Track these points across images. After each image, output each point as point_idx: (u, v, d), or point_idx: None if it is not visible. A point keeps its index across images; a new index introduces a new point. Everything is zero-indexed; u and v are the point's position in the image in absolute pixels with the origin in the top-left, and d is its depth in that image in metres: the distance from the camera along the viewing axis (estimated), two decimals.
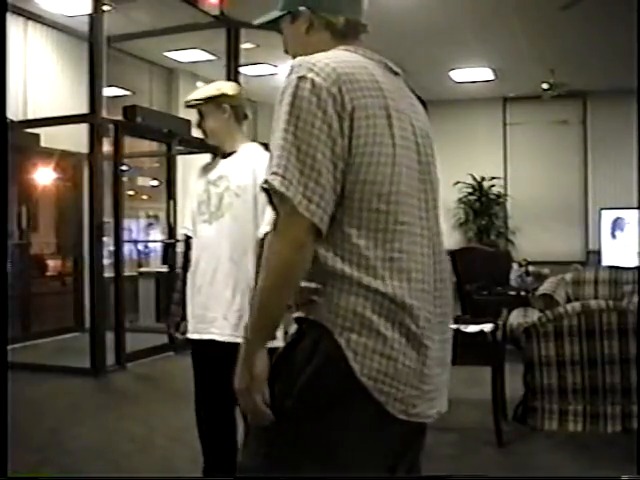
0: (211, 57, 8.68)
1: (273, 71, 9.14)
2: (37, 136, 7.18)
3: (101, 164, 6.27)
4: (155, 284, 8.39)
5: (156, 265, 8.82)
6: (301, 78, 1.37)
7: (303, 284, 1.41)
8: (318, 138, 1.34)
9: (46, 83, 7.81)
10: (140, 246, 9.75)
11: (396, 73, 1.55)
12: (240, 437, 2.72)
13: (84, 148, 6.46)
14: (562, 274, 6.56)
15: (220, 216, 2.63)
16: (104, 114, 6.21)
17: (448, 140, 10.62)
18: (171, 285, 3.00)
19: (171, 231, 7.14)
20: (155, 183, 10.08)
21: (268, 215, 2.30)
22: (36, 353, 6.93)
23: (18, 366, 5.51)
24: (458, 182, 10.97)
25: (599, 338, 4.03)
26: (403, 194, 1.42)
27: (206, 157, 2.85)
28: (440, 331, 1.48)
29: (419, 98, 1.67)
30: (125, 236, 6.97)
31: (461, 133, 11.12)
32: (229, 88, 2.77)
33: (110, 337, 6.23)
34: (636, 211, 9.57)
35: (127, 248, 7.88)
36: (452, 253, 7.47)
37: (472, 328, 3.98)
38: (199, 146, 6.57)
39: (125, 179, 7.27)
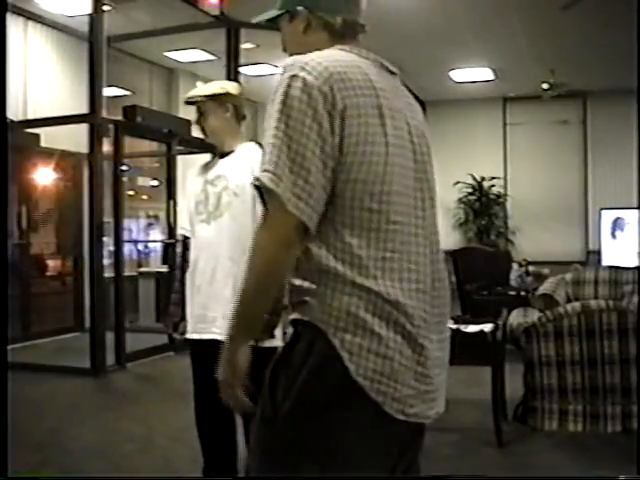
0: (211, 57, 8.69)
1: (273, 71, 9.13)
2: (37, 136, 7.18)
3: (101, 164, 6.27)
4: (155, 284, 8.39)
5: (156, 265, 8.83)
6: (293, 77, 1.38)
7: (297, 283, 1.42)
8: (308, 136, 1.34)
9: (46, 83, 7.81)
10: (140, 246, 9.75)
11: (392, 72, 1.55)
12: (239, 437, 2.73)
13: (84, 148, 6.46)
14: (562, 274, 6.56)
15: (219, 215, 2.63)
16: (104, 114, 6.21)
17: (448, 140, 10.63)
18: (171, 285, 2.99)
19: (171, 231, 7.14)
20: (155, 183, 10.08)
21: None
22: (36, 353, 6.93)
23: (18, 366, 5.51)
24: (458, 182, 10.97)
25: (599, 338, 4.03)
26: (396, 193, 1.41)
27: (206, 157, 2.84)
28: (438, 331, 1.48)
29: (417, 98, 1.68)
30: (125, 236, 6.97)
31: (461, 133, 11.13)
32: (232, 87, 2.77)
33: (110, 337, 6.23)
34: (636, 211, 9.58)
35: (127, 248, 7.88)
36: (452, 253, 7.47)
37: (472, 328, 3.98)
38: (199, 146, 6.57)
39: (125, 179, 7.27)
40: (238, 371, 1.42)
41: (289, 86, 1.37)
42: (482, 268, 7.34)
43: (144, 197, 10.24)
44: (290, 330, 1.46)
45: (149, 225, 10.12)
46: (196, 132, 7.33)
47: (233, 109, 2.70)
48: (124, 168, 6.88)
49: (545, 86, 9.29)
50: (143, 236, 10.09)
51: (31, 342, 7.37)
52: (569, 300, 5.92)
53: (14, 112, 6.83)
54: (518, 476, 3.51)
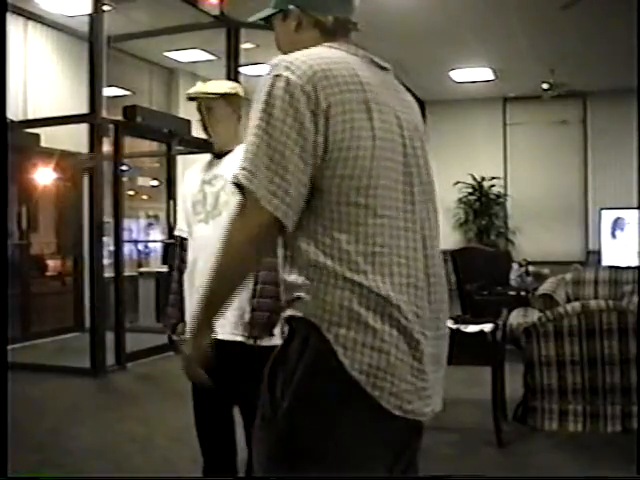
0: (211, 57, 8.70)
1: None
2: (37, 136, 7.18)
3: (101, 164, 6.27)
4: (155, 284, 8.40)
5: (156, 265, 8.83)
6: (277, 77, 1.39)
7: (289, 279, 1.43)
8: (288, 135, 1.35)
9: (46, 83, 7.81)
10: (140, 246, 9.75)
11: (383, 68, 1.55)
12: (239, 437, 2.73)
13: (84, 148, 6.46)
14: (562, 274, 6.56)
15: (217, 215, 2.62)
16: (104, 114, 6.21)
17: (448, 140, 10.63)
18: (170, 286, 2.98)
19: (171, 231, 7.13)
20: (155, 183, 10.08)
21: None
22: (36, 353, 6.93)
23: (18, 366, 5.51)
24: (458, 182, 10.97)
25: (599, 338, 4.03)
26: (383, 187, 1.41)
27: (206, 157, 2.83)
28: (434, 327, 1.47)
29: (415, 97, 1.68)
30: (125, 236, 6.97)
31: (461, 133, 11.13)
32: (240, 88, 2.78)
33: (110, 337, 6.23)
34: (636, 211, 9.57)
35: (127, 248, 7.89)
36: (452, 253, 7.47)
37: (472, 328, 3.98)
38: (199, 146, 6.57)
39: (125, 179, 7.27)
40: (201, 349, 1.52)
41: (272, 86, 1.39)
42: (482, 268, 7.34)
43: (144, 197, 10.24)
44: (286, 328, 1.47)
45: (149, 225, 10.12)
46: (196, 132, 7.34)
47: (238, 110, 2.70)
48: (124, 168, 6.88)
49: (545, 86, 9.29)
50: (143, 236, 10.09)
51: (31, 342, 7.37)
52: (569, 300, 5.92)
53: (14, 112, 6.83)
54: (518, 476, 3.51)
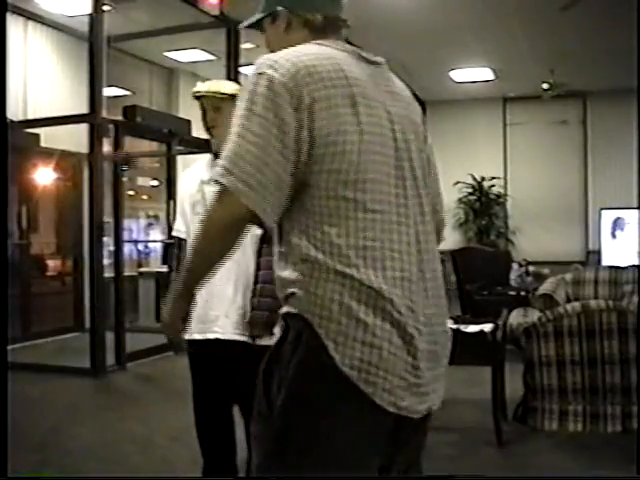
0: (211, 57, 8.69)
1: None
2: (37, 136, 7.18)
3: (101, 164, 6.27)
4: (155, 284, 8.39)
5: (156, 265, 8.82)
6: (260, 75, 1.41)
7: (283, 275, 1.43)
8: (269, 131, 1.36)
9: (46, 83, 7.81)
10: (140, 246, 9.75)
11: (373, 62, 1.55)
12: (239, 437, 2.73)
13: (84, 148, 6.46)
14: (562, 274, 6.56)
15: None
16: (104, 114, 6.21)
17: (448, 140, 10.63)
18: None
19: (171, 231, 7.13)
20: (155, 183, 10.08)
21: None
22: (36, 353, 6.93)
23: (18, 366, 5.50)
24: (458, 182, 10.96)
25: (599, 338, 4.03)
26: (373, 182, 1.41)
27: (205, 158, 2.83)
28: (430, 323, 1.45)
29: (415, 97, 1.68)
30: (125, 236, 6.97)
31: (461, 133, 11.13)
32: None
33: (110, 337, 6.23)
34: (636, 211, 9.58)
35: (127, 248, 7.88)
36: (452, 253, 7.48)
37: (472, 328, 3.98)
38: (199, 146, 6.57)
39: (125, 179, 7.26)
40: (180, 315, 1.62)
41: (255, 84, 1.41)
42: (482, 268, 7.34)
43: (144, 197, 10.24)
44: (282, 324, 1.46)
45: (149, 225, 10.12)
46: (196, 132, 7.33)
47: None
48: (124, 168, 6.88)
49: (545, 86, 9.29)
50: (143, 236, 10.09)
51: (31, 342, 7.37)
52: (569, 300, 5.92)
53: (14, 112, 6.83)
54: (518, 476, 3.51)
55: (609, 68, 9.11)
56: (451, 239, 10.30)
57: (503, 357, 4.27)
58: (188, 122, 7.20)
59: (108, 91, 6.56)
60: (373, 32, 7.07)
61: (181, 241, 2.82)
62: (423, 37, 8.06)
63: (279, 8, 1.57)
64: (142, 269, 9.02)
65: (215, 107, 2.66)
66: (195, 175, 2.77)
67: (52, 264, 8.68)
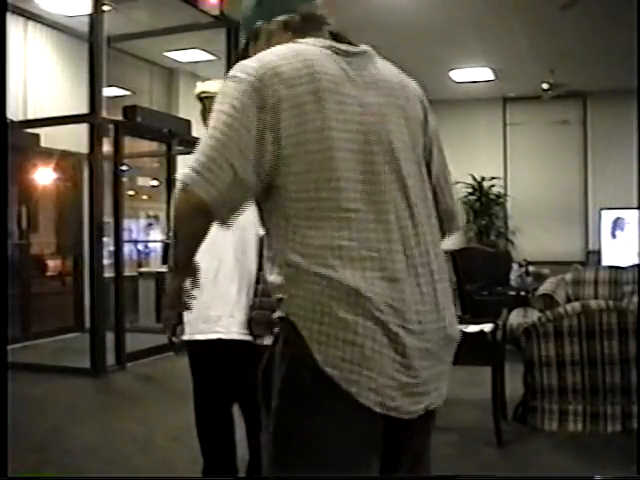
0: (211, 57, 8.69)
1: None
2: (37, 136, 7.19)
3: (101, 164, 6.27)
4: (155, 284, 8.39)
5: (156, 265, 8.83)
6: (231, 77, 1.44)
7: (270, 280, 1.46)
8: (233, 128, 1.38)
9: (46, 83, 7.81)
10: (140, 246, 9.75)
11: (352, 53, 1.52)
12: (239, 437, 2.73)
13: (84, 148, 6.46)
14: (562, 274, 6.56)
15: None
16: (104, 114, 6.21)
17: (448, 140, 10.46)
18: None
19: (170, 231, 7.14)
20: (155, 183, 10.08)
21: None
22: (36, 353, 6.93)
23: (18, 366, 5.51)
24: (458, 182, 10.94)
25: (599, 338, 4.03)
26: (346, 180, 1.40)
27: None
28: (423, 321, 1.42)
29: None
30: (125, 236, 6.98)
31: (461, 133, 11.11)
32: None
33: (110, 337, 6.23)
34: (636, 211, 9.58)
35: (127, 248, 7.89)
36: (452, 253, 7.47)
37: (472, 328, 3.98)
38: None
39: (125, 179, 7.27)
40: (181, 298, 1.68)
41: (226, 86, 1.43)
42: (482, 268, 7.34)
43: (144, 197, 10.24)
44: (277, 328, 1.48)
45: (149, 225, 10.12)
46: (196, 132, 7.33)
47: None
48: (124, 168, 6.88)
49: (545, 86, 9.28)
50: (143, 236, 10.09)
51: (31, 342, 7.37)
52: (569, 300, 5.92)
53: (14, 112, 6.83)
54: (518, 476, 3.51)
55: (609, 68, 9.11)
56: (451, 239, 10.25)
57: (503, 357, 4.27)
58: (188, 122, 7.20)
59: (108, 91, 6.57)
60: (373, 32, 7.05)
61: None
62: (423, 37, 8.06)
63: (258, 23, 1.58)
64: (142, 269, 9.02)
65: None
66: None
67: (52, 264, 8.68)
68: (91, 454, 3.88)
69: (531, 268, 7.86)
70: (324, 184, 1.39)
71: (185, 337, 2.68)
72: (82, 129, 6.38)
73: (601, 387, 4.05)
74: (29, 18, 7.54)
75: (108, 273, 6.48)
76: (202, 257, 2.67)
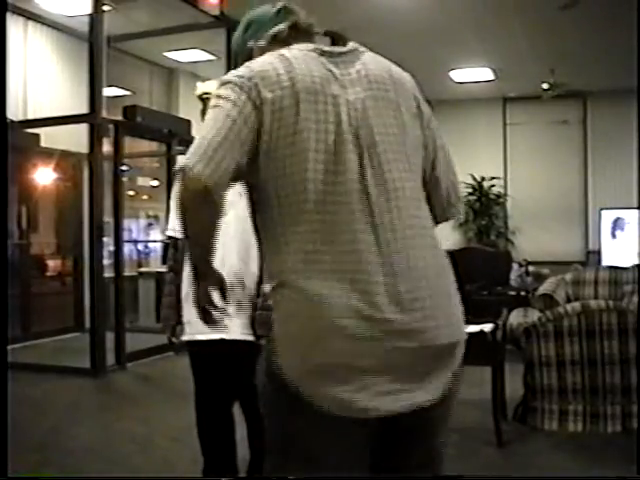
0: (211, 57, 8.69)
1: None
2: (37, 136, 7.18)
3: (101, 164, 6.27)
4: (155, 284, 8.39)
5: (156, 265, 8.82)
6: (222, 82, 1.49)
7: (265, 290, 1.59)
8: (228, 126, 1.41)
9: (46, 83, 7.81)
10: (140, 246, 9.75)
11: (339, 54, 1.53)
12: (239, 437, 2.73)
13: (84, 148, 6.46)
14: (562, 274, 6.56)
15: (224, 214, 2.62)
16: (104, 114, 6.21)
17: (448, 140, 10.41)
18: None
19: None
20: (155, 183, 10.08)
21: None
22: (36, 353, 6.93)
23: (18, 366, 5.51)
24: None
25: (599, 338, 4.03)
26: (313, 181, 1.41)
27: None
28: (402, 322, 1.37)
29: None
30: (125, 236, 6.97)
31: (461, 133, 11.10)
32: None
33: (110, 337, 6.23)
34: (636, 211, 9.57)
35: (127, 248, 7.88)
36: (452, 253, 7.46)
37: (472, 328, 3.97)
38: None
39: (125, 179, 7.26)
40: (209, 296, 1.60)
41: (219, 90, 1.48)
42: (482, 268, 7.34)
43: (144, 197, 10.24)
44: None
45: (149, 225, 10.12)
46: (196, 132, 7.30)
47: None
48: (124, 168, 6.88)
49: (545, 86, 9.28)
50: (143, 236, 10.09)
51: (31, 342, 7.37)
52: (569, 300, 5.92)
53: (14, 112, 6.83)
54: (518, 476, 3.51)
55: (609, 68, 9.10)
56: (451, 239, 10.31)
57: (503, 357, 4.27)
58: (188, 122, 7.20)
59: (108, 91, 6.56)
60: (373, 32, 7.06)
61: (177, 241, 2.81)
62: (423, 37, 8.05)
63: (250, 44, 1.64)
64: (142, 269, 9.02)
65: None
66: None
67: (52, 264, 8.68)
68: (91, 454, 3.88)
69: (531, 268, 7.86)
70: (293, 187, 1.41)
71: (186, 337, 2.68)
72: (82, 129, 6.38)
73: (601, 387, 4.05)
74: (29, 18, 7.54)
75: (108, 273, 6.48)
76: None
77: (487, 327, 4.00)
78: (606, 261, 10.00)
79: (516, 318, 5.59)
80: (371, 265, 1.38)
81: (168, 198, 7.30)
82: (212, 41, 7.88)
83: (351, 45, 1.56)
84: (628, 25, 6.24)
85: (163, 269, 2.97)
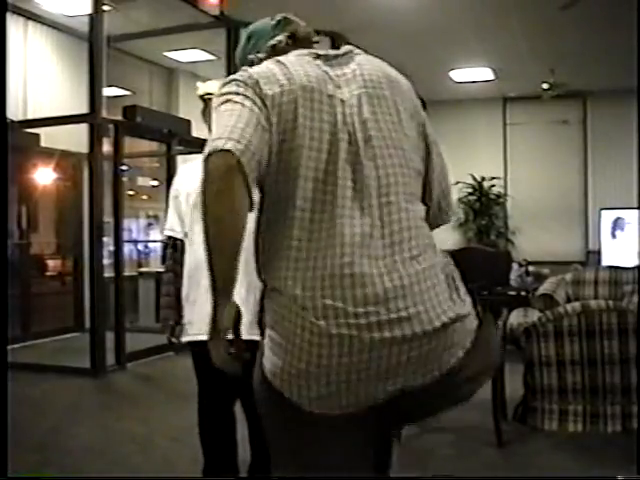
0: (211, 57, 8.69)
1: None
2: (37, 136, 7.18)
3: (101, 164, 6.27)
4: (155, 284, 8.38)
5: (156, 265, 8.83)
6: (227, 83, 1.50)
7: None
8: (236, 109, 1.42)
9: (46, 83, 7.81)
10: (140, 246, 9.75)
11: (334, 56, 1.56)
12: (239, 437, 2.73)
13: (84, 148, 6.46)
14: (562, 274, 6.56)
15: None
16: (104, 114, 6.21)
17: (448, 140, 10.58)
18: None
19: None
20: (155, 183, 10.08)
21: None
22: (36, 353, 6.93)
23: (18, 366, 5.51)
24: (458, 182, 10.94)
25: (599, 338, 4.03)
26: (305, 178, 1.42)
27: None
28: (389, 310, 1.36)
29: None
30: (125, 236, 6.97)
31: (461, 133, 11.12)
32: None
33: (110, 337, 6.23)
34: (636, 211, 9.57)
35: (127, 248, 7.88)
36: (452, 253, 7.47)
37: None
38: (199, 146, 6.57)
39: (125, 179, 7.26)
40: (219, 330, 1.41)
41: (225, 90, 1.49)
42: (482, 268, 7.33)
43: (144, 197, 10.24)
44: None
45: (149, 225, 10.12)
46: (196, 132, 7.31)
47: None
48: (124, 168, 6.88)
49: (545, 86, 9.28)
50: (143, 236, 10.09)
51: (31, 342, 7.37)
52: (569, 300, 5.92)
53: (14, 112, 6.83)
54: (518, 476, 3.51)
55: (609, 68, 9.10)
56: (451, 239, 10.31)
57: (503, 357, 4.27)
58: (188, 122, 7.20)
59: (108, 91, 6.56)
60: (373, 32, 7.06)
61: (176, 241, 2.79)
62: (423, 37, 8.05)
63: (250, 57, 1.66)
64: (142, 269, 9.03)
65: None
66: (196, 173, 2.75)
67: (52, 264, 8.69)
68: (91, 454, 3.88)
69: (531, 268, 7.85)
70: (285, 185, 1.43)
71: (188, 338, 2.67)
72: (82, 129, 6.38)
73: (601, 387, 4.04)
74: (29, 18, 7.54)
75: (108, 273, 6.48)
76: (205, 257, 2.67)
77: None
78: (606, 261, 10.00)
79: (516, 318, 5.59)
80: (354, 262, 1.38)
81: (167, 198, 7.31)
82: (212, 41, 7.88)
83: (346, 48, 1.59)
84: (628, 25, 6.24)
85: (163, 269, 2.96)
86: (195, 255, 2.70)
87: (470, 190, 11.15)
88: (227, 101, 1.45)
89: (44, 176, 8.14)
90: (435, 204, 1.61)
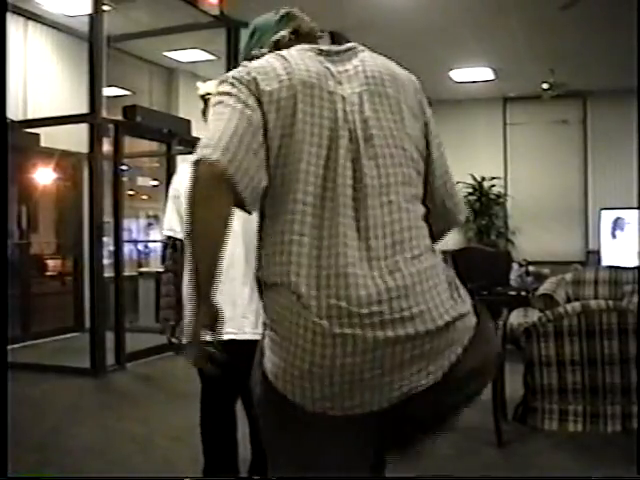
0: (211, 57, 8.69)
1: None
2: (37, 136, 7.18)
3: (101, 164, 6.27)
4: (155, 284, 8.38)
5: (156, 265, 8.83)
6: (224, 80, 1.50)
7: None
8: (228, 113, 1.42)
9: (46, 83, 7.80)
10: (140, 246, 9.75)
11: (336, 52, 1.56)
12: (240, 437, 2.73)
13: (84, 148, 6.46)
14: (562, 274, 6.56)
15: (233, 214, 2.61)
16: (104, 114, 6.21)
17: (448, 140, 10.51)
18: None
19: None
20: (155, 183, 10.08)
21: None
22: (36, 353, 6.93)
23: (18, 366, 5.51)
24: (458, 182, 10.80)
25: (599, 338, 4.03)
26: (306, 172, 1.42)
27: None
28: (385, 311, 1.35)
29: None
30: (125, 236, 6.97)
31: (461, 133, 11.11)
32: None
33: (110, 337, 6.23)
34: (636, 211, 9.57)
35: (127, 248, 7.88)
36: (452, 253, 7.48)
37: None
38: None
39: (125, 179, 7.26)
40: (197, 330, 1.42)
41: (222, 87, 1.49)
42: (482, 268, 7.34)
43: (144, 197, 10.24)
44: None
45: (149, 225, 10.12)
46: (196, 132, 7.31)
47: None
48: (124, 168, 6.88)
49: (545, 86, 9.28)
50: (143, 236, 10.09)
51: (31, 342, 7.37)
52: (569, 300, 5.92)
53: (14, 112, 6.83)
54: (518, 476, 3.51)
55: (609, 68, 9.10)
56: (451, 239, 10.29)
57: (503, 357, 4.27)
58: (188, 122, 7.20)
59: (108, 91, 6.56)
60: (373, 31, 7.06)
61: (176, 241, 2.80)
62: (423, 37, 8.05)
63: (254, 52, 1.64)
64: (142, 269, 9.03)
65: None
66: None
67: (52, 264, 8.69)
68: (91, 454, 3.88)
69: (531, 268, 7.86)
70: (287, 178, 1.42)
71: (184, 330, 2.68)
72: (82, 129, 6.38)
73: (601, 387, 4.04)
74: (29, 18, 7.54)
75: (108, 273, 6.48)
76: None
77: None
78: (606, 261, 10.00)
79: (516, 318, 5.59)
80: (349, 258, 1.38)
81: (166, 198, 7.31)
82: (212, 41, 7.88)
83: (349, 44, 1.58)
84: (628, 25, 6.24)
85: (163, 269, 2.96)
86: None
87: (470, 190, 11.15)
88: (219, 102, 1.45)
89: (44, 176, 8.14)
90: (439, 204, 1.59)
